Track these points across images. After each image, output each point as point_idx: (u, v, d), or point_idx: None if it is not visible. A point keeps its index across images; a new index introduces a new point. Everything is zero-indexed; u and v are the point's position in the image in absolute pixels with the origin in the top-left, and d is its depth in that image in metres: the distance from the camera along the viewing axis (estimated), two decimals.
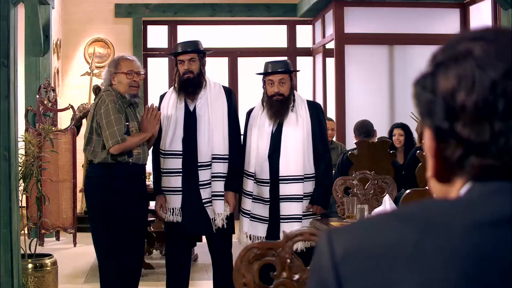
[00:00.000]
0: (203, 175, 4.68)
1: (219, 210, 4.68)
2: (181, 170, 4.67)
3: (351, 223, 0.95)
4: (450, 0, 8.74)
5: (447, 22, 8.80)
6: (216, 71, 9.15)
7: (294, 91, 4.77)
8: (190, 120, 4.71)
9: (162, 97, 4.92)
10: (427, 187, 4.18)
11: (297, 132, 4.65)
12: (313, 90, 10.03)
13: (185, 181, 4.68)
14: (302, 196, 4.63)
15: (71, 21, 9.70)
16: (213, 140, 4.69)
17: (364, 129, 6.47)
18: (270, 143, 4.68)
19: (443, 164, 0.92)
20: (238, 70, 10.33)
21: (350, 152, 6.14)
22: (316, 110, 4.78)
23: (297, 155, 4.63)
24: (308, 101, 4.83)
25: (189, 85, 4.70)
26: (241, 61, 10.31)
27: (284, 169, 4.63)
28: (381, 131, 7.62)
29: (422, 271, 0.83)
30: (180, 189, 4.68)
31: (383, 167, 5.85)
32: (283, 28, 10.36)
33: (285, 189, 4.63)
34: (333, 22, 8.75)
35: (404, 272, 0.83)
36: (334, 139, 7.72)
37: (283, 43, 10.37)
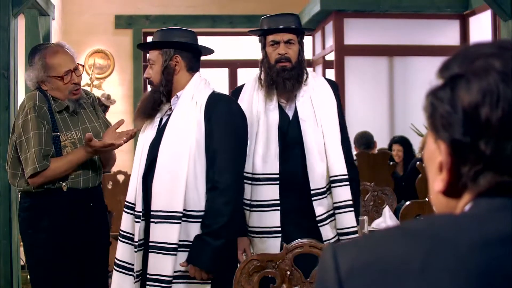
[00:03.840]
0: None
1: None
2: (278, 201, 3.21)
3: (356, 238, 0.93)
4: (450, 11, 8.77)
5: (447, 34, 8.82)
6: (216, 82, 9.16)
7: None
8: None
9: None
10: (426, 199, 4.17)
11: (182, 135, 2.93)
12: None
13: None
14: (177, 247, 2.88)
15: (71, 32, 9.71)
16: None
17: (364, 140, 6.48)
18: (148, 154, 3.03)
19: (456, 179, 0.90)
20: (238, 81, 10.33)
21: None
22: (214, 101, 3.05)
23: (178, 178, 2.89)
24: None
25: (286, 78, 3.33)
26: (241, 72, 10.32)
27: (161, 200, 2.91)
28: (381, 142, 7.62)
29: (428, 287, 0.82)
30: (279, 229, 3.20)
31: (383, 179, 5.86)
32: None
33: (156, 233, 2.90)
34: (333, 34, 8.76)
35: None
36: None
37: None
